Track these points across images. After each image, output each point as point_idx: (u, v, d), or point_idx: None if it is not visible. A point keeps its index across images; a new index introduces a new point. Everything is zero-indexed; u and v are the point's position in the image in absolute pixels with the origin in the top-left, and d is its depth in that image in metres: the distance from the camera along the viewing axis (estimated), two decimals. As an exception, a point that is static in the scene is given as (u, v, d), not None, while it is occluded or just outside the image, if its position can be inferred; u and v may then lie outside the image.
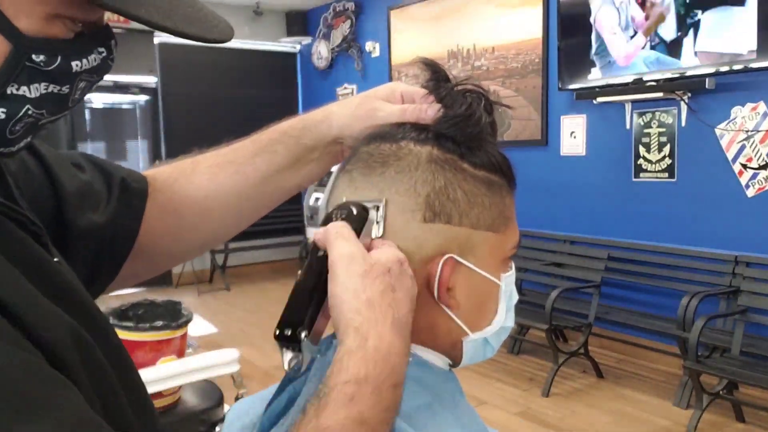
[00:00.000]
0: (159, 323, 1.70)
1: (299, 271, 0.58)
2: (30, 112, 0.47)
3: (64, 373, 0.43)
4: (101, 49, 0.49)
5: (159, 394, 1.74)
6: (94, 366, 0.50)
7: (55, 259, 0.54)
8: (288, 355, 0.53)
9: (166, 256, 0.82)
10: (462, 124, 0.62)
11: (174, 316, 1.78)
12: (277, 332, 0.53)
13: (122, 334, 1.70)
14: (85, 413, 0.42)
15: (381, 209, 0.59)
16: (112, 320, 1.71)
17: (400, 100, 0.71)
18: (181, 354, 1.78)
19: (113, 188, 0.74)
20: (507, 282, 0.66)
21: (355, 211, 0.57)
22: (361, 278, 0.52)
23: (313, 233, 0.59)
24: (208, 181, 0.77)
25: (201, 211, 0.78)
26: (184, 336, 1.78)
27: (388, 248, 0.56)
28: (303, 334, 0.53)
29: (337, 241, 0.54)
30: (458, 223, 0.61)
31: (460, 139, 0.62)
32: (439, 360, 0.64)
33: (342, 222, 0.57)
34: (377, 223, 0.59)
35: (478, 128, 0.62)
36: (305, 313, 0.54)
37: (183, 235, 0.80)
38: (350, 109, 0.73)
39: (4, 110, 0.45)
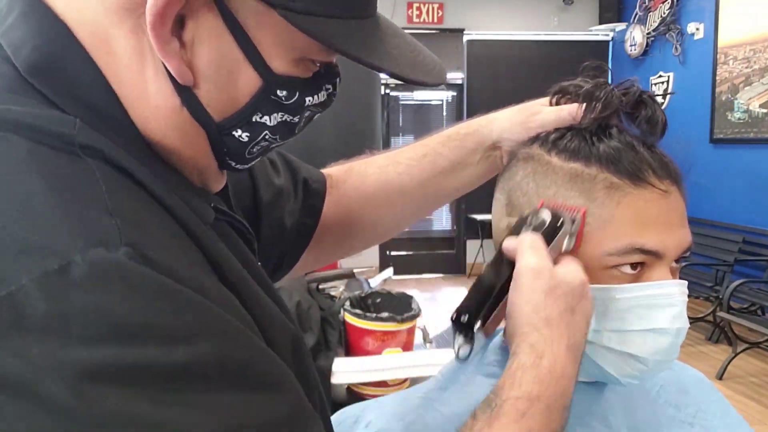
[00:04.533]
0: (384, 315, 1.75)
1: (485, 265, 0.60)
2: (267, 137, 0.53)
3: None
4: (328, 86, 0.55)
5: (384, 383, 1.80)
6: (308, 371, 0.54)
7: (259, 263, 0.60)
8: (459, 339, 0.57)
9: (333, 248, 0.88)
10: (582, 108, 0.62)
11: (403, 309, 1.82)
12: (454, 316, 0.57)
13: (351, 320, 1.79)
14: (303, 400, 0.45)
15: (577, 221, 0.58)
16: (347, 305, 1.82)
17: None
18: (407, 347, 1.81)
19: (298, 190, 0.81)
20: (595, 295, 0.57)
21: (548, 222, 0.57)
22: (545, 295, 0.53)
23: (505, 239, 0.59)
24: (376, 179, 0.83)
25: (368, 206, 0.84)
26: (411, 330, 1.80)
27: (573, 267, 0.55)
28: (477, 325, 0.56)
29: (527, 252, 0.55)
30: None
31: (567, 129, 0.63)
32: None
33: (536, 235, 0.56)
34: (570, 235, 0.57)
35: (594, 113, 0.61)
36: (483, 307, 0.57)
37: (350, 229, 0.86)
38: (511, 114, 0.74)
39: (248, 134, 0.52)
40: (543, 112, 0.69)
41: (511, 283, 0.55)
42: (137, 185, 0.44)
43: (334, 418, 0.74)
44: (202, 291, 0.40)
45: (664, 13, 5.67)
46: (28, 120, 0.42)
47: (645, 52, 6.03)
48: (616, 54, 6.60)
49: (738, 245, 4.56)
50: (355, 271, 2.69)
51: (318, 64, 0.53)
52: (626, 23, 6.23)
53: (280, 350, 0.48)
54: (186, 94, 0.48)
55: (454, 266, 6.88)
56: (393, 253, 6.74)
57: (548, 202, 0.60)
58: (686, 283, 0.59)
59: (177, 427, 0.35)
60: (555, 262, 0.56)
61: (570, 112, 0.65)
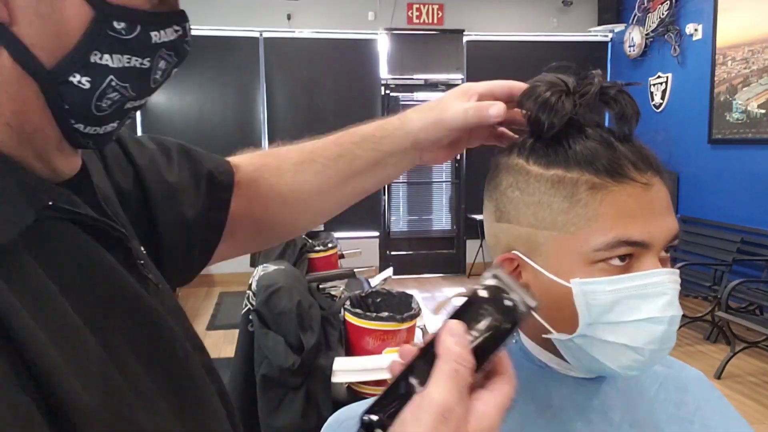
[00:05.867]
0: (384, 314, 1.76)
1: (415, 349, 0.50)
2: (114, 84, 0.46)
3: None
4: (177, 28, 0.50)
5: (384, 383, 1.80)
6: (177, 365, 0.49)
7: (140, 261, 0.55)
8: None
9: (248, 242, 0.86)
10: (536, 122, 0.61)
11: (403, 309, 1.83)
12: (363, 417, 0.48)
13: (351, 319, 1.80)
14: None
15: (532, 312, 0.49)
16: (347, 305, 1.82)
17: (475, 99, 0.70)
18: (407, 347, 1.82)
19: (201, 183, 0.76)
20: (586, 288, 0.58)
21: (501, 324, 0.47)
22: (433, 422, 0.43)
23: (440, 319, 0.50)
24: (292, 179, 0.81)
25: (284, 206, 0.82)
26: (411, 329, 1.81)
27: (493, 412, 0.46)
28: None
29: (445, 383, 0.45)
30: (518, 222, 0.63)
31: (535, 137, 0.63)
32: (542, 353, 0.66)
33: (468, 357, 0.46)
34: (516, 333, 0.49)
35: (554, 123, 0.60)
36: (390, 410, 0.47)
37: (266, 225, 0.84)
38: (424, 114, 0.74)
39: (89, 79, 0.45)
40: (450, 111, 0.69)
41: (415, 403, 0.45)
42: None
43: (335, 417, 0.74)
44: None
45: (663, 14, 5.68)
46: None
47: (644, 53, 6.03)
48: (615, 55, 6.61)
49: (736, 245, 4.56)
50: (355, 270, 2.71)
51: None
52: (625, 24, 6.24)
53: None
54: (2, 32, 0.42)
55: (454, 266, 6.89)
56: (393, 253, 6.74)
57: (502, 281, 0.49)
58: (677, 271, 0.60)
59: None
60: (486, 371, 0.48)
61: (476, 112, 0.67)
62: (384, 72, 6.49)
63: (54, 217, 0.45)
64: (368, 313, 1.76)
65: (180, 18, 0.50)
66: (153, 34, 0.47)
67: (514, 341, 0.55)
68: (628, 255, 0.58)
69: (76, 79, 0.45)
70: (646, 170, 0.59)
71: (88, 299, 0.45)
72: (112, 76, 0.46)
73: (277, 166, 0.82)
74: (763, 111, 4.66)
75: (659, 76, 5.85)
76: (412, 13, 6.43)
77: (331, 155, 0.80)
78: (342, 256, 3.30)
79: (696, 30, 5.34)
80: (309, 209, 0.84)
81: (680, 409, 0.69)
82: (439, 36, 6.54)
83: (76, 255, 0.46)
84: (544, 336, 0.63)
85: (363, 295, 1.95)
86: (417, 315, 1.81)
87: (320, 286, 2.15)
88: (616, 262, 0.58)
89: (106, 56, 0.45)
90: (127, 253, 0.53)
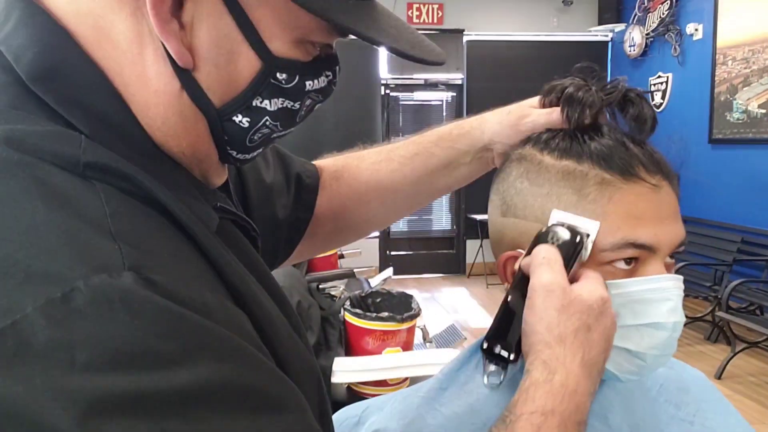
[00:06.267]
0: (384, 314, 1.76)
1: (508, 288, 0.60)
2: (267, 123, 0.53)
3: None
4: (329, 73, 0.55)
5: (384, 383, 1.80)
6: (313, 378, 0.54)
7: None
8: (491, 368, 0.58)
9: (326, 240, 0.90)
10: (569, 114, 0.63)
11: (403, 309, 1.82)
12: (485, 345, 0.58)
13: (351, 319, 1.80)
14: (311, 422, 0.44)
15: (593, 235, 0.58)
16: (347, 305, 1.82)
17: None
18: (407, 347, 1.82)
19: (291, 185, 0.82)
20: None
21: (568, 239, 0.57)
22: (557, 312, 0.53)
23: (523, 258, 0.60)
24: (370, 176, 0.85)
25: (361, 203, 0.86)
26: (411, 329, 1.81)
27: (593, 283, 0.56)
28: (511, 357, 0.57)
29: (541, 268, 0.56)
30: (525, 217, 0.62)
31: (556, 130, 0.65)
32: None
33: (551, 247, 0.57)
34: (585, 249, 0.58)
35: (576, 116, 0.62)
36: (513, 334, 0.57)
37: (343, 223, 0.87)
38: (502, 116, 0.74)
39: (249, 120, 0.52)
40: (533, 115, 0.69)
41: (526, 301, 0.55)
42: (143, 200, 0.44)
43: (336, 417, 0.74)
44: (206, 311, 0.40)
45: (663, 14, 5.68)
46: (33, 140, 0.42)
47: (644, 53, 6.03)
48: (615, 54, 6.60)
49: (737, 245, 4.56)
50: (355, 270, 2.71)
51: (318, 48, 0.53)
52: (625, 24, 6.24)
53: (291, 366, 0.48)
54: (185, 77, 0.48)
55: (453, 266, 6.88)
56: (393, 253, 6.74)
57: (560, 217, 0.60)
58: (681, 277, 0.60)
59: None
60: (576, 277, 0.56)
61: (560, 115, 0.66)
62: (384, 72, 6.49)
63: (220, 217, 0.52)
64: (368, 314, 1.76)
65: (333, 63, 0.55)
66: (308, 82, 0.53)
67: (587, 255, 0.58)
68: (633, 258, 0.58)
69: (238, 118, 0.51)
70: (656, 173, 0.59)
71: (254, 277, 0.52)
72: (267, 117, 0.53)
73: (356, 166, 0.86)
74: (763, 111, 4.66)
75: (659, 76, 5.85)
76: (412, 13, 6.43)
77: (407, 154, 0.83)
78: (342, 256, 3.30)
79: (696, 30, 5.34)
80: (383, 206, 0.86)
81: (680, 409, 0.69)
82: (439, 36, 6.53)
83: (238, 243, 0.54)
84: None
85: (363, 295, 1.94)
86: (417, 315, 1.81)
87: (320, 286, 2.14)
88: (622, 265, 0.58)
89: (266, 101, 0.52)
90: (257, 247, 0.59)
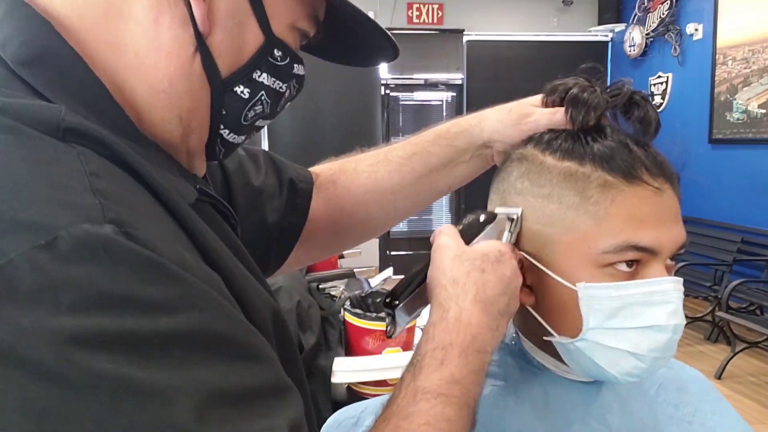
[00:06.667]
0: (384, 314, 1.76)
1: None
2: (263, 99, 0.56)
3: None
4: (302, 67, 0.59)
5: (384, 383, 1.80)
6: (288, 345, 0.56)
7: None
8: (388, 320, 0.65)
9: (325, 245, 0.90)
10: (573, 115, 0.63)
11: (403, 309, 1.82)
12: (383, 300, 0.65)
13: (351, 319, 1.80)
14: (282, 374, 0.46)
15: (516, 220, 0.63)
16: (347, 305, 1.82)
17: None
18: (407, 347, 1.81)
19: (283, 190, 0.81)
20: (591, 293, 0.58)
21: (481, 219, 0.64)
22: (450, 260, 0.59)
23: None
24: (367, 178, 0.84)
25: (359, 206, 0.85)
26: (411, 329, 1.80)
27: (491, 241, 0.61)
28: (396, 303, 0.62)
29: (440, 236, 0.62)
30: (525, 218, 0.63)
31: (561, 130, 0.65)
32: (540, 354, 0.66)
33: (449, 225, 0.64)
34: (509, 232, 0.63)
35: (581, 117, 0.62)
36: (405, 289, 0.63)
37: (341, 227, 0.86)
38: (502, 114, 0.74)
39: (249, 90, 0.55)
40: (535, 114, 0.69)
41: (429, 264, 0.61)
42: (121, 166, 0.45)
43: (335, 417, 0.74)
44: (184, 266, 0.41)
45: (663, 14, 5.68)
46: (15, 107, 0.43)
47: (644, 53, 6.03)
48: (615, 55, 6.60)
49: (737, 245, 4.56)
50: (355, 270, 2.70)
51: (303, 42, 0.57)
52: (625, 24, 6.24)
53: (262, 324, 0.50)
54: (200, 42, 0.51)
55: (453, 266, 6.88)
56: (393, 253, 6.74)
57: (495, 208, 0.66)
58: (681, 280, 0.60)
59: (159, 390, 0.36)
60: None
61: (563, 116, 0.66)
62: (384, 72, 6.49)
63: (200, 199, 0.54)
64: (368, 314, 1.75)
65: (302, 60, 0.60)
66: (295, 65, 0.58)
67: (511, 238, 0.63)
68: (635, 261, 0.58)
69: (239, 89, 0.54)
70: (659, 175, 0.60)
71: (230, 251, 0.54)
72: (263, 92, 0.56)
73: (353, 168, 0.86)
74: (763, 111, 4.66)
75: (659, 76, 5.85)
76: (411, 13, 6.43)
77: (405, 154, 0.82)
78: (342, 256, 3.29)
79: (696, 30, 5.34)
80: (382, 209, 0.86)
81: (679, 410, 0.69)
82: (438, 36, 6.54)
83: (215, 221, 0.56)
84: (545, 338, 0.63)
85: (363, 295, 1.94)
86: (417, 315, 1.80)
87: (320, 286, 2.14)
88: (623, 267, 0.58)
89: (264, 75, 0.55)
90: (236, 234, 0.61)
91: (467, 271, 0.57)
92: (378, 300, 2.00)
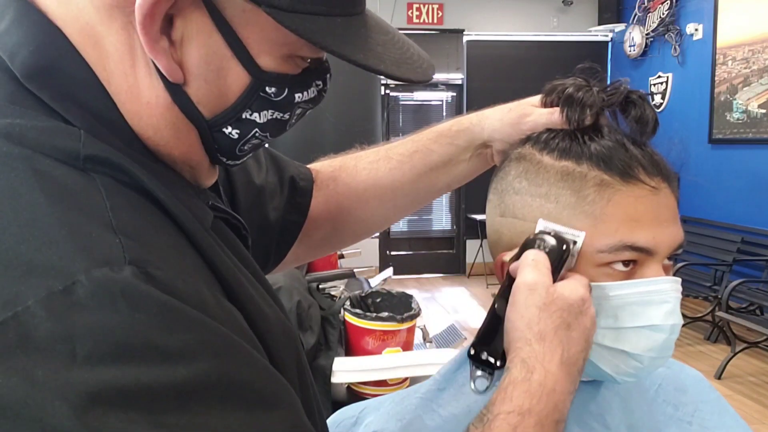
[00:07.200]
0: (384, 314, 1.76)
1: (496, 295, 0.60)
2: (257, 135, 0.54)
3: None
4: (318, 82, 0.56)
5: (384, 383, 1.80)
6: (307, 383, 0.55)
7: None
8: (478, 373, 0.58)
9: (324, 242, 0.89)
10: (568, 114, 0.63)
11: (403, 309, 1.82)
12: (472, 352, 0.58)
13: (351, 319, 1.80)
14: (302, 417, 0.45)
15: (579, 243, 0.59)
16: (347, 305, 1.82)
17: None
18: (407, 347, 1.82)
19: (284, 188, 0.81)
20: (599, 291, 0.58)
21: (555, 245, 0.57)
22: (538, 310, 0.54)
23: (511, 263, 0.60)
24: (367, 175, 0.84)
25: (359, 203, 0.85)
26: (411, 329, 1.80)
27: (574, 283, 0.56)
28: (498, 363, 0.56)
29: (527, 268, 0.56)
30: (523, 217, 0.62)
31: (557, 129, 0.65)
32: None
33: (539, 252, 0.57)
34: (571, 256, 0.58)
35: (585, 117, 0.62)
36: (500, 339, 0.57)
37: (341, 224, 0.86)
38: (502, 113, 0.74)
39: (238, 131, 0.53)
40: (534, 114, 0.69)
41: (509, 299, 0.56)
42: (141, 193, 0.45)
43: (333, 418, 0.74)
44: (204, 307, 0.40)
45: (663, 14, 5.68)
46: (33, 134, 0.42)
47: (644, 53, 6.03)
48: (615, 55, 6.61)
49: (737, 245, 4.56)
50: (355, 270, 2.70)
51: (308, 60, 0.53)
52: (625, 24, 6.24)
53: (283, 362, 0.49)
54: (176, 91, 0.49)
55: (453, 266, 6.88)
56: (393, 253, 6.74)
57: (546, 226, 0.61)
58: (679, 279, 0.59)
59: None
60: (561, 279, 0.57)
61: (561, 115, 0.66)
62: (384, 72, 6.49)
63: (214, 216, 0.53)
64: (368, 314, 1.76)
65: (323, 72, 0.56)
66: (297, 95, 0.54)
67: (573, 263, 0.58)
68: (632, 261, 0.58)
69: (228, 130, 0.52)
70: (656, 175, 0.59)
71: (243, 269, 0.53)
72: (257, 129, 0.53)
73: (354, 166, 0.85)
74: (763, 111, 4.66)
75: (659, 76, 5.85)
76: (412, 13, 6.43)
77: (406, 152, 0.82)
78: (342, 256, 3.30)
79: (696, 30, 5.34)
80: (383, 206, 0.85)
81: (678, 410, 0.69)
82: (438, 36, 6.54)
83: (230, 240, 0.55)
84: None
85: (363, 295, 1.94)
86: (417, 315, 1.80)
87: (320, 286, 2.14)
88: (620, 267, 0.58)
89: (255, 114, 0.52)
90: (247, 246, 0.60)
91: (555, 327, 0.53)
92: (378, 300, 2.00)
